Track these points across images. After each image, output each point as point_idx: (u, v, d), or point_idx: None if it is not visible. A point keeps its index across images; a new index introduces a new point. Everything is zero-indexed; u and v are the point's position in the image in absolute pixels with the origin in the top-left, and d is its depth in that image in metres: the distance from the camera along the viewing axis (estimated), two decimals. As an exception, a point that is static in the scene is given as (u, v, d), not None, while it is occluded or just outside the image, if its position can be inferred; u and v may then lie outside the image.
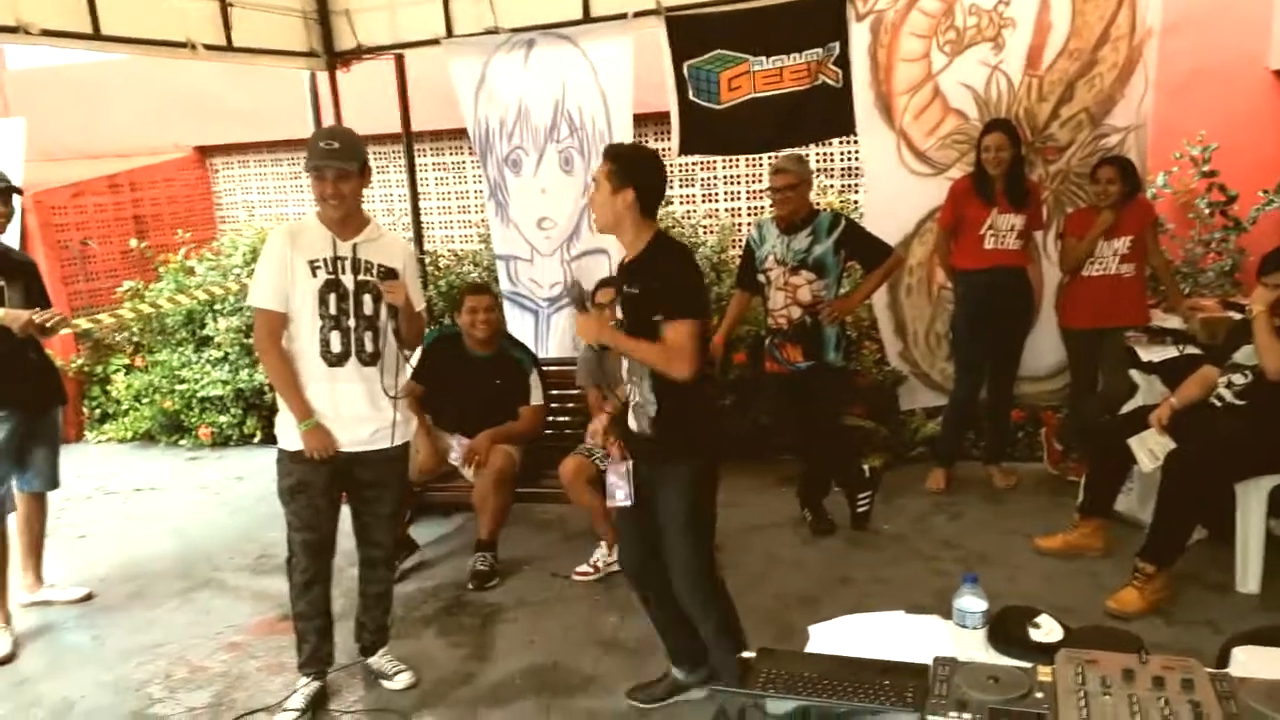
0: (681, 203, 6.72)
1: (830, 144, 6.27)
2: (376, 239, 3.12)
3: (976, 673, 1.75)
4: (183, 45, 4.69)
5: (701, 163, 6.69)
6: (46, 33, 4.08)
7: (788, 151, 4.56)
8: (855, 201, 5.96)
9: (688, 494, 2.78)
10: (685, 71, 4.84)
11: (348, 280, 3.04)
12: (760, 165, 6.57)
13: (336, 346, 3.04)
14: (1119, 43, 4.42)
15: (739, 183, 6.74)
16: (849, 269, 4.43)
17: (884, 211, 4.83)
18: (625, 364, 2.87)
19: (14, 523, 4.00)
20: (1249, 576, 3.54)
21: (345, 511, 3.24)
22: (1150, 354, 4.21)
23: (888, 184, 4.87)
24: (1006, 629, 2.03)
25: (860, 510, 4.34)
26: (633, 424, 2.85)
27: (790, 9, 4.62)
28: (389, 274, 3.06)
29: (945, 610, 2.25)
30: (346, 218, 3.05)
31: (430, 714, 3.14)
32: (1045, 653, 1.88)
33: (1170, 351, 4.18)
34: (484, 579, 4.05)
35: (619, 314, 2.83)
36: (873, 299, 4.83)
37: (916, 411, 5.28)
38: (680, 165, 6.75)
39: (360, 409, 3.07)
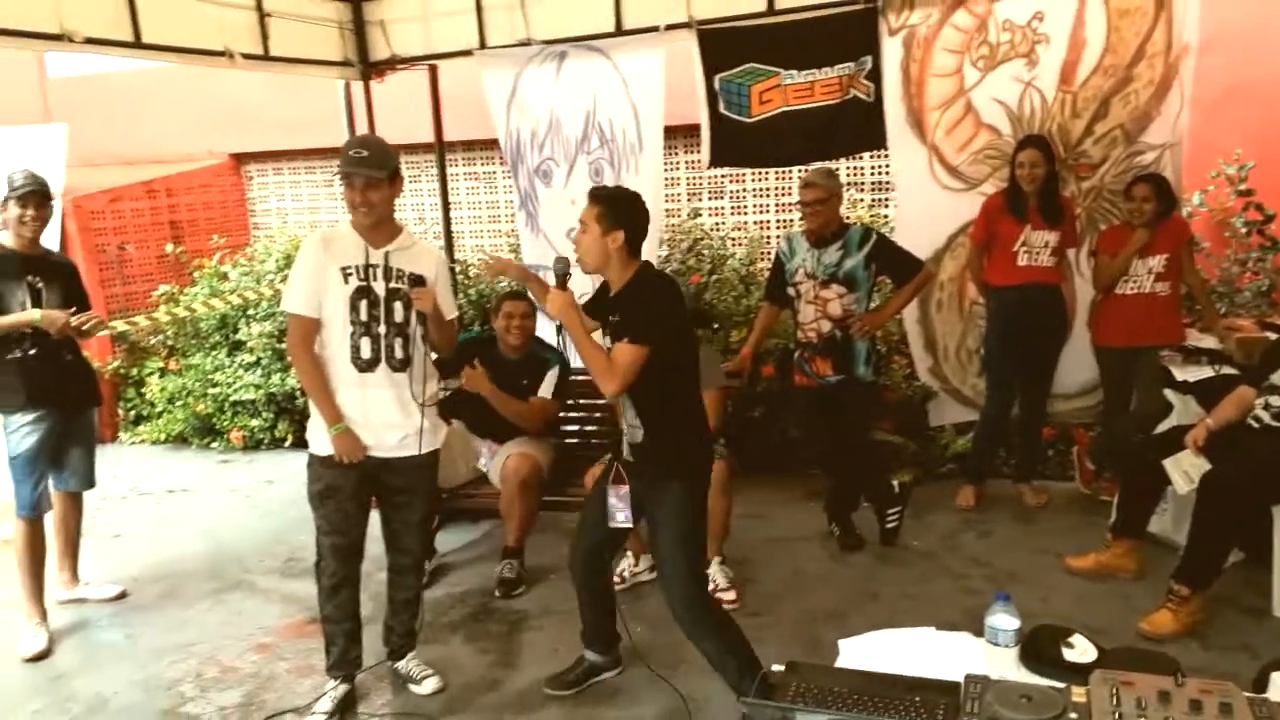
0: (710, 215, 6.74)
1: (861, 158, 6.26)
2: (409, 247, 3.15)
3: (1009, 691, 1.75)
4: (221, 54, 4.76)
5: (731, 175, 6.70)
6: (90, 41, 4.16)
7: (818, 165, 4.56)
8: (886, 216, 5.95)
9: (678, 513, 2.87)
10: (716, 84, 4.86)
11: (379, 287, 3.08)
12: (789, 178, 6.58)
13: (367, 352, 3.08)
14: (1155, 59, 4.38)
15: (768, 195, 6.75)
16: (879, 284, 4.42)
17: (915, 226, 4.82)
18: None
19: (51, 521, 4.06)
20: (1286, 601, 3.48)
21: (375, 517, 3.27)
22: (1185, 374, 4.16)
23: (919, 199, 4.85)
24: (1039, 648, 2.02)
25: (889, 526, 4.32)
26: (625, 450, 2.98)
27: (823, 23, 4.63)
28: (418, 281, 3.09)
29: (975, 628, 2.25)
30: (378, 225, 3.08)
31: (457, 719, 3.15)
32: (1079, 673, 1.87)
33: (1206, 371, 4.13)
34: (510, 586, 4.07)
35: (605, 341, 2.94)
36: (903, 314, 4.82)
37: (946, 427, 5.25)
38: (709, 177, 6.77)
39: (390, 415, 3.10)
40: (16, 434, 3.80)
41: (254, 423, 6.47)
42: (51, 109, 8.09)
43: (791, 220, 6.59)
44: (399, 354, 3.10)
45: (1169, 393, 4.21)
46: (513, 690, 3.32)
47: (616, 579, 3.98)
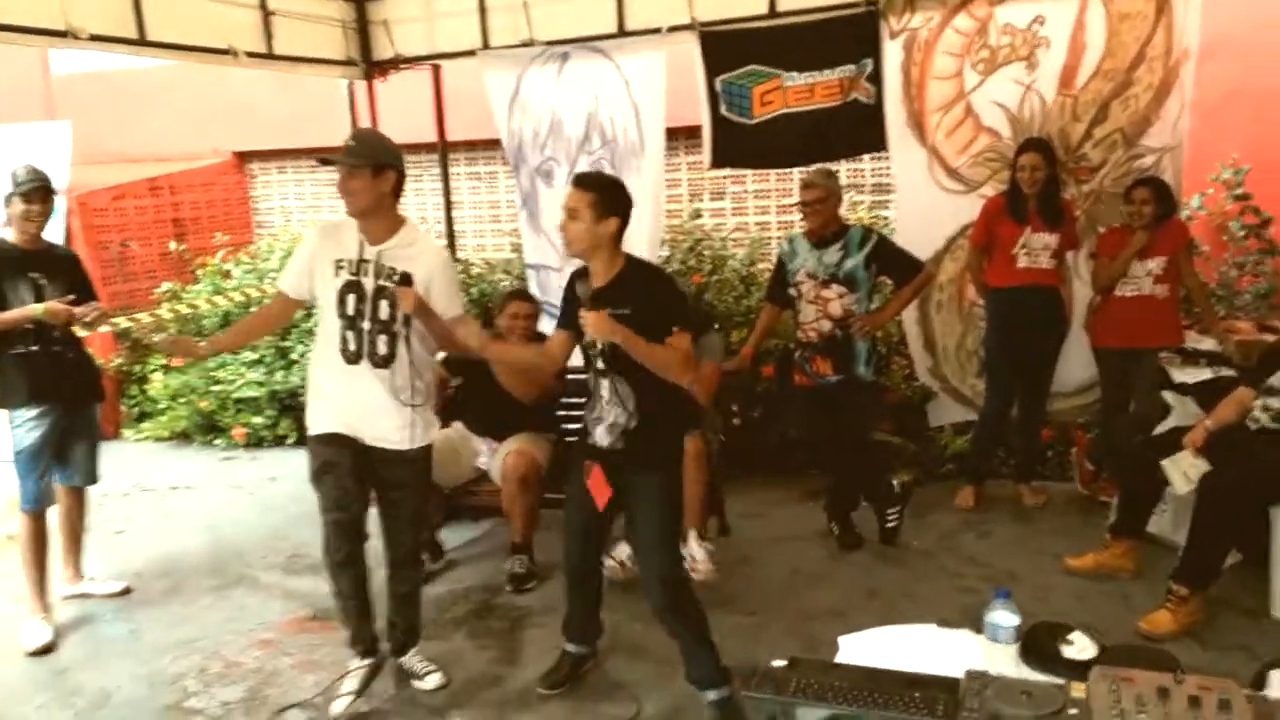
0: (711, 216, 6.76)
1: (861, 160, 6.28)
2: (408, 245, 3.12)
3: (1009, 688, 1.77)
4: (225, 52, 4.78)
5: (732, 176, 6.73)
6: (95, 38, 4.18)
7: (818, 166, 4.58)
8: (886, 218, 5.97)
9: (660, 502, 2.94)
10: (718, 86, 4.88)
11: (368, 283, 3.08)
12: (790, 180, 6.60)
13: (352, 346, 3.11)
14: (1154, 64, 4.41)
15: (769, 197, 6.77)
16: (879, 284, 4.44)
17: (915, 228, 4.84)
18: (605, 383, 2.94)
19: (54, 517, 4.08)
20: (1283, 601, 3.51)
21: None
22: (1184, 375, 4.19)
23: (919, 200, 4.88)
24: (1039, 645, 2.05)
25: (889, 526, 4.34)
26: (602, 439, 2.97)
27: (824, 26, 4.65)
28: (405, 281, 3.04)
29: (973, 627, 2.27)
30: (372, 220, 3.08)
31: (460, 714, 3.18)
32: (1078, 670, 1.89)
33: (1204, 373, 4.16)
34: (521, 581, 4.10)
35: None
36: (902, 315, 4.84)
37: (945, 428, 5.27)
38: (710, 179, 6.79)
39: (378, 406, 3.12)
40: (20, 429, 3.82)
41: (257, 420, 6.49)
42: (55, 106, 8.11)
43: (792, 221, 6.61)
44: (382, 350, 3.10)
45: (1167, 394, 4.24)
46: (515, 686, 3.34)
47: (614, 563, 3.99)
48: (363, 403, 3.11)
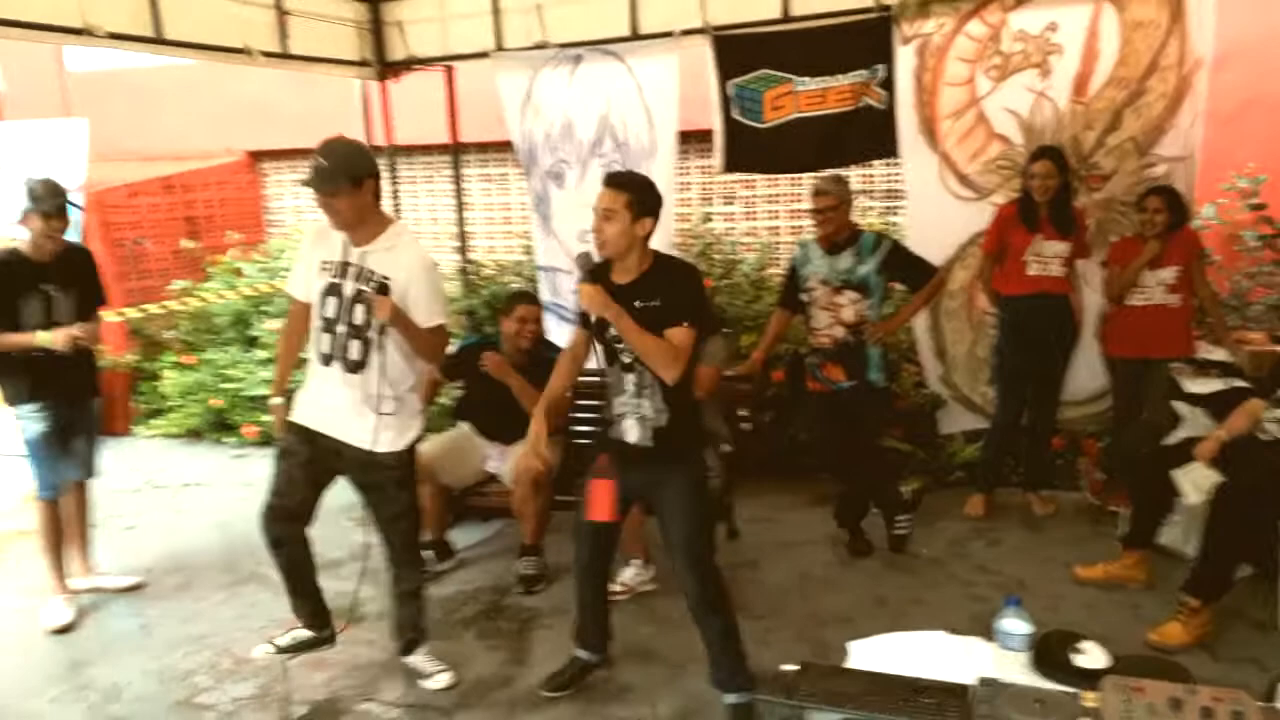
0: (722, 220, 6.77)
1: (872, 166, 6.29)
2: (390, 248, 3.08)
3: (1021, 695, 1.77)
4: (241, 51, 4.82)
5: (742, 181, 6.74)
6: (112, 36, 4.21)
7: (828, 172, 4.59)
8: (897, 224, 5.97)
9: (694, 497, 2.95)
10: (730, 90, 4.90)
11: (348, 287, 3.07)
12: (800, 185, 6.61)
13: (326, 348, 3.13)
14: (1168, 72, 4.40)
15: (779, 201, 6.78)
16: (890, 291, 4.44)
17: (926, 235, 4.82)
18: (631, 378, 2.93)
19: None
20: (1294, 614, 3.50)
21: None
22: (1196, 386, 4.18)
23: (930, 207, 4.87)
24: (1050, 653, 2.05)
25: (898, 533, 4.34)
26: (634, 436, 2.95)
27: (837, 31, 4.66)
28: (382, 289, 3.02)
29: (982, 635, 2.27)
30: (355, 227, 3.06)
31: (468, 715, 3.19)
32: (1089, 679, 1.89)
33: (1216, 384, 4.14)
34: (531, 582, 4.12)
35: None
36: (913, 322, 4.84)
37: (956, 435, 5.27)
38: (721, 183, 6.80)
39: (346, 406, 3.12)
40: (25, 421, 3.88)
41: (268, 418, 6.50)
42: (71, 104, 8.16)
43: (802, 226, 6.62)
44: (354, 356, 3.09)
45: (1179, 405, 4.22)
46: (524, 687, 3.35)
47: (620, 588, 3.98)
48: (332, 405, 3.14)
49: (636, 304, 2.84)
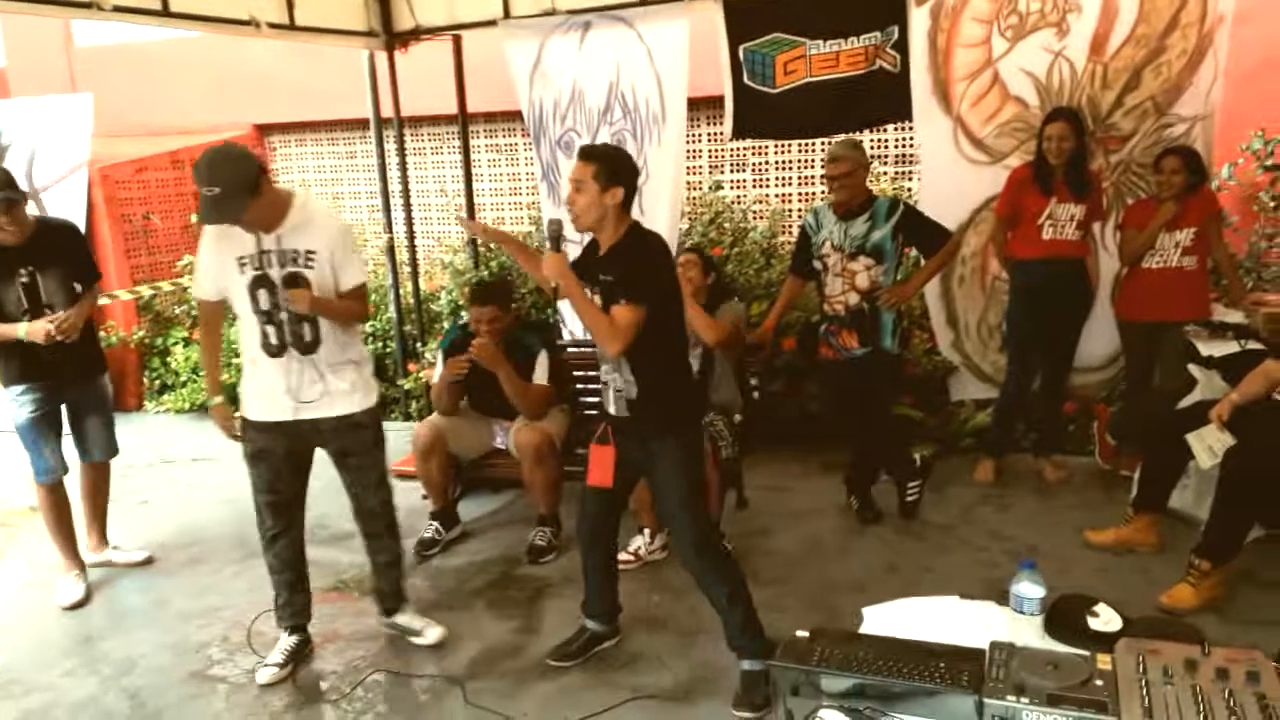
0: (732, 188, 6.70)
1: (885, 130, 6.20)
2: (303, 223, 3.06)
3: (1035, 658, 1.76)
4: (247, 23, 4.78)
5: (753, 147, 6.66)
6: (119, 9, 4.18)
7: (843, 137, 4.52)
8: (909, 189, 5.90)
9: (679, 467, 2.93)
10: (741, 54, 4.82)
11: (275, 274, 3.04)
12: (812, 151, 6.53)
13: (274, 339, 3.11)
14: (1188, 29, 4.31)
15: (790, 168, 6.70)
16: (904, 256, 4.39)
17: (939, 200, 4.76)
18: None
19: (77, 488, 4.14)
20: (1307, 576, 3.48)
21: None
22: (1210, 348, 4.13)
23: (943, 171, 4.81)
24: (1064, 617, 2.03)
25: (909, 499, 4.32)
26: (611, 407, 2.99)
27: (850, -8, 4.58)
28: (291, 282, 3.00)
29: (995, 599, 2.25)
30: (269, 222, 3.02)
31: (479, 684, 3.20)
32: (1103, 642, 1.87)
33: (1231, 346, 4.09)
34: (539, 553, 4.12)
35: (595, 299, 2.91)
36: (925, 289, 4.78)
37: (966, 402, 5.24)
38: (731, 150, 6.73)
39: (307, 382, 3.13)
40: (14, 404, 3.83)
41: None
42: (77, 78, 8.13)
43: (813, 193, 6.55)
44: (306, 337, 3.10)
45: (1193, 368, 4.18)
46: (534, 656, 3.35)
47: (630, 556, 3.99)
48: (295, 387, 3.13)
49: (601, 276, 2.86)
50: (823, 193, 5.17)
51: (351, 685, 3.23)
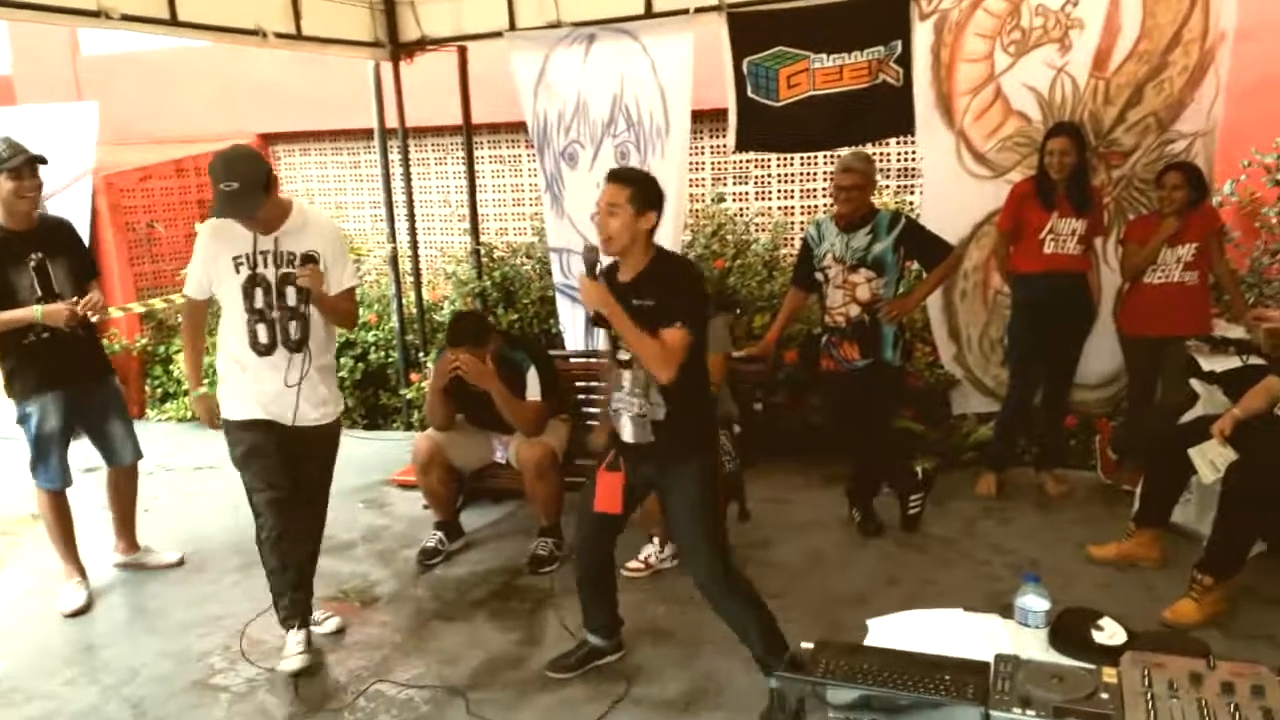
0: (735, 200, 6.73)
1: (887, 144, 6.23)
2: (300, 228, 3.22)
3: (1040, 671, 1.76)
4: (253, 33, 4.80)
5: (755, 160, 6.68)
6: (126, 18, 4.19)
7: (854, 150, 4.53)
8: (912, 203, 5.92)
9: (696, 491, 2.91)
10: (745, 68, 4.84)
11: (270, 274, 3.17)
12: (814, 164, 6.56)
13: (264, 338, 3.21)
14: (1190, 46, 4.34)
15: (793, 181, 6.73)
16: (906, 269, 4.40)
17: (942, 214, 4.78)
18: (627, 375, 2.92)
19: (104, 495, 4.21)
20: (1309, 592, 3.48)
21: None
22: (1212, 364, 4.14)
23: (945, 185, 4.83)
24: (1069, 630, 2.03)
25: (911, 512, 4.33)
26: (629, 434, 2.94)
27: (853, 7, 4.61)
28: (308, 259, 3.18)
29: (998, 613, 2.25)
30: (272, 222, 3.17)
31: (480, 694, 3.19)
32: (1108, 655, 1.88)
33: (1233, 362, 4.10)
34: (541, 564, 4.12)
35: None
36: (927, 302, 4.80)
37: (968, 416, 5.24)
38: (734, 162, 6.76)
39: (293, 376, 3.23)
40: (33, 414, 3.81)
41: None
42: (82, 86, 8.16)
43: (816, 206, 6.58)
44: (295, 336, 3.23)
45: (1195, 383, 4.19)
46: (537, 667, 3.35)
47: (640, 564, 4.00)
48: (278, 389, 3.22)
49: (634, 302, 2.84)
50: (825, 205, 5.19)
51: (354, 695, 3.23)
